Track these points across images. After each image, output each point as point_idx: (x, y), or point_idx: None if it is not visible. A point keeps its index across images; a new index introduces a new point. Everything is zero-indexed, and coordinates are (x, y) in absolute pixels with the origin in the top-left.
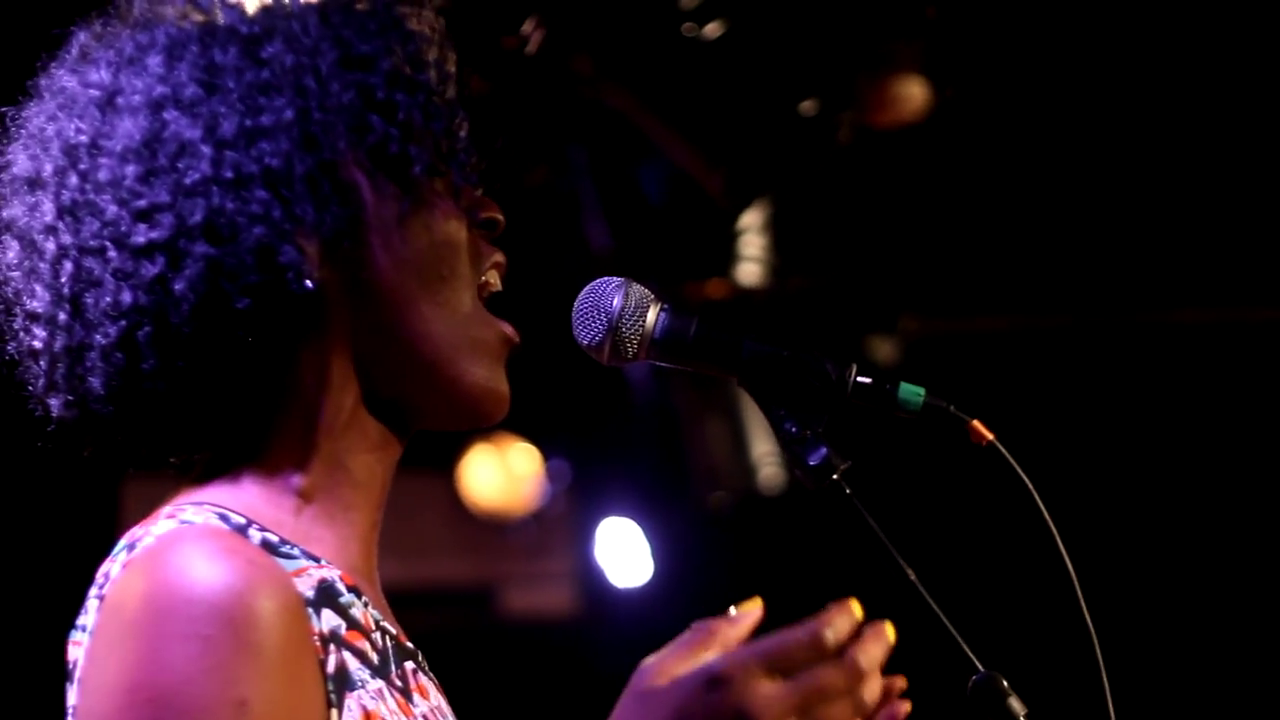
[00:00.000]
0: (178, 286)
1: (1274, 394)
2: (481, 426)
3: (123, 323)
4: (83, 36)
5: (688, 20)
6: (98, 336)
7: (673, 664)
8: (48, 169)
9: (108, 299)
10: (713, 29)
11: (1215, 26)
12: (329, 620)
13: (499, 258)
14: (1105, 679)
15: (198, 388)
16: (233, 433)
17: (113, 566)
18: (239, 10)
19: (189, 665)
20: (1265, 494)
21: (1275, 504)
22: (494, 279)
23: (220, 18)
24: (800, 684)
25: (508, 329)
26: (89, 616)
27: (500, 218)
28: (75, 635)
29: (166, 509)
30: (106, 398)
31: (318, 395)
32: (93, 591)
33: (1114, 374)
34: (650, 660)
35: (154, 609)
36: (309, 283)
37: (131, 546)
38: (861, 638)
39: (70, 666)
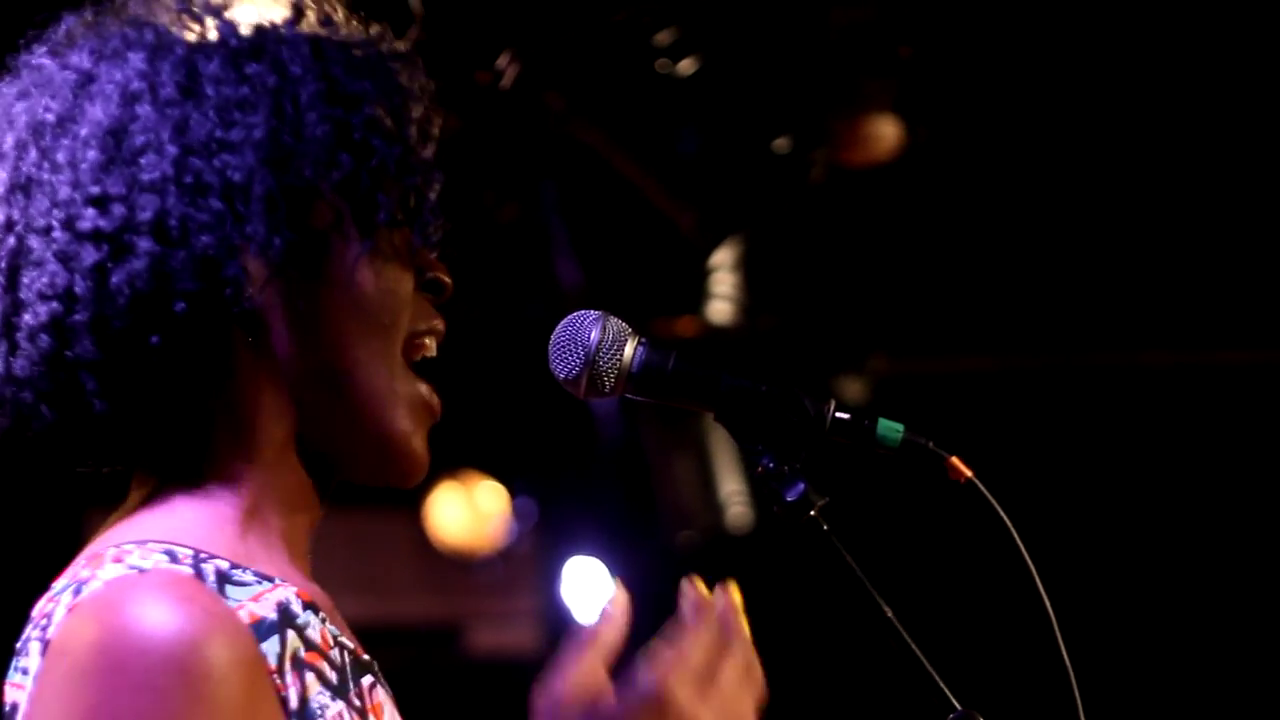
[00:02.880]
0: (115, 278)
1: (1238, 434)
2: (396, 486)
3: (55, 304)
4: (70, 22)
5: (661, 57)
6: (27, 316)
7: (577, 681)
8: (9, 142)
9: (44, 280)
10: (686, 66)
11: (1182, 74)
12: (291, 642)
13: (439, 324)
14: (1082, 717)
15: (123, 389)
16: (161, 453)
17: (55, 608)
18: (232, 25)
19: (140, 717)
20: (1233, 530)
21: (1244, 539)
22: (430, 344)
23: (212, 30)
24: (722, 679)
25: (432, 397)
26: (31, 659)
27: (448, 281)
28: (14, 677)
29: (110, 550)
30: (26, 381)
31: (250, 424)
32: (33, 633)
33: (1080, 415)
34: (550, 683)
35: (106, 658)
36: (247, 301)
37: (77, 590)
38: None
39: (9, 710)
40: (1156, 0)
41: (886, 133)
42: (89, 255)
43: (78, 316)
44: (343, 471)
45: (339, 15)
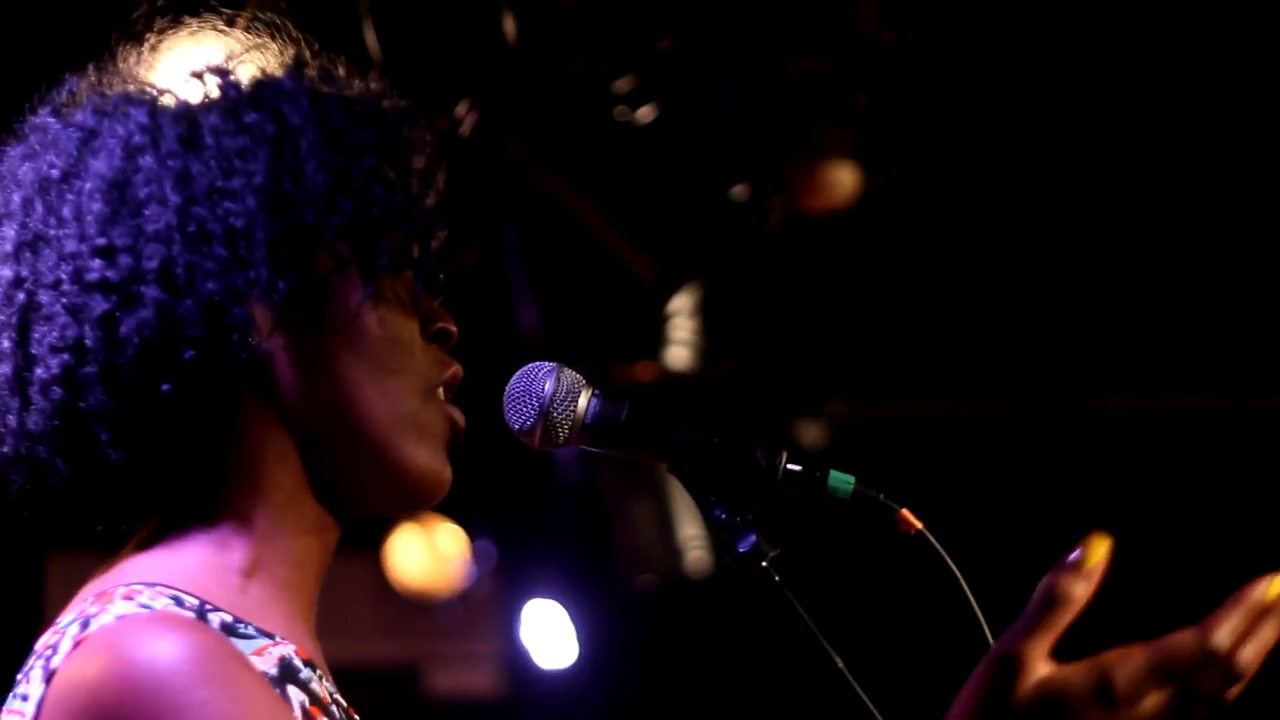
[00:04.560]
0: (124, 328)
1: (1198, 481)
2: (420, 510)
3: (65, 356)
4: (73, 83)
5: (620, 104)
6: (39, 370)
7: (1037, 653)
8: (16, 200)
9: (54, 333)
10: (645, 113)
11: (1141, 119)
12: (296, 695)
13: (455, 370)
14: None
15: (136, 439)
16: (172, 501)
17: (61, 640)
18: (233, 80)
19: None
20: (1194, 578)
21: (1204, 587)
22: (449, 392)
23: (214, 89)
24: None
25: (456, 414)
26: (33, 686)
27: (454, 330)
28: (14, 704)
29: (120, 588)
30: (41, 436)
31: (259, 469)
32: (36, 663)
33: (1041, 460)
34: (1008, 647)
35: (139, 690)
36: (254, 346)
37: (84, 623)
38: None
39: None
40: (1109, 44)
41: (844, 180)
42: (97, 305)
43: (88, 368)
44: (360, 506)
45: (340, 71)
